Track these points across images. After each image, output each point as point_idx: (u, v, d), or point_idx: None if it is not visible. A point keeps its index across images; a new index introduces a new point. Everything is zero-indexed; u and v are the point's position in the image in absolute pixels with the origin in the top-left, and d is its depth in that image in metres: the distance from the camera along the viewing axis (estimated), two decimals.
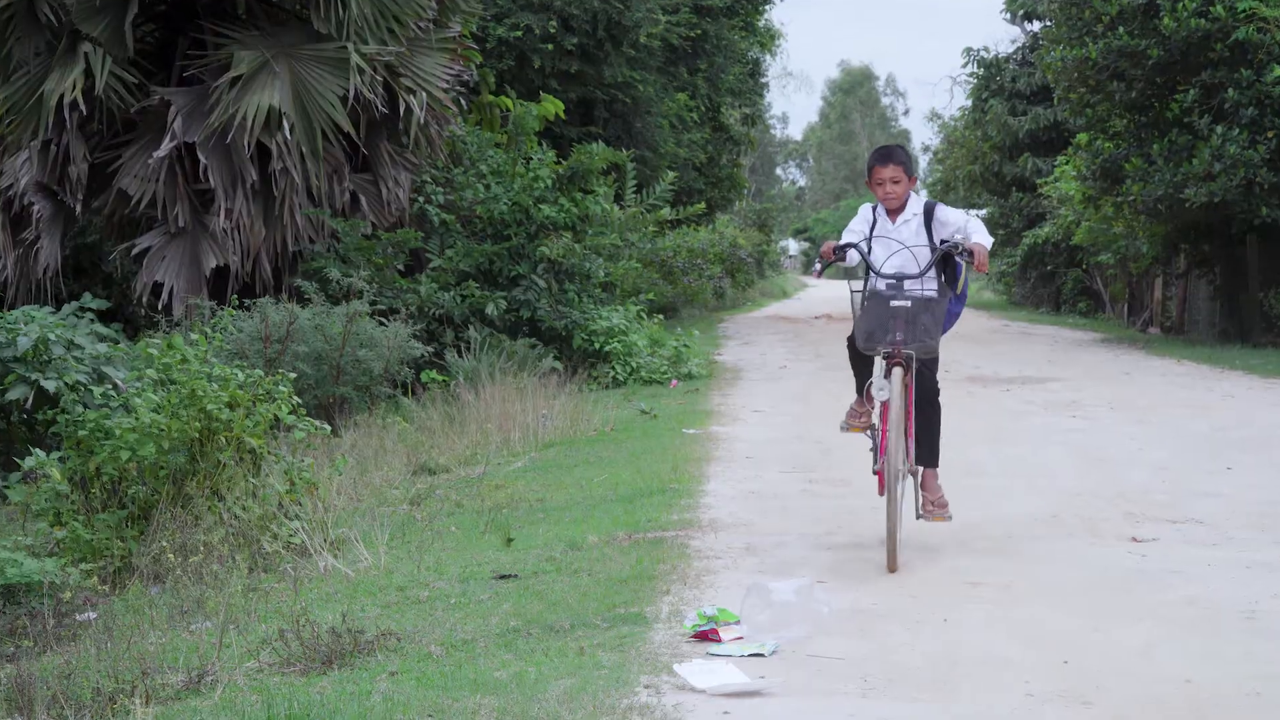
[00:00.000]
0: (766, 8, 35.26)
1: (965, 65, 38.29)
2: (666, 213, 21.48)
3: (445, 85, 15.62)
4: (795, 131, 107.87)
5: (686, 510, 8.29)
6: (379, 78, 14.65)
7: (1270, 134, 20.15)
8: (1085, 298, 34.65)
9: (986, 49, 38.27)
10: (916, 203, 7.15)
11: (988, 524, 7.73)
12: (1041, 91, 34.76)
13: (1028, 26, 37.83)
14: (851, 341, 7.02)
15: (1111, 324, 30.61)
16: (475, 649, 5.39)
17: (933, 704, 4.74)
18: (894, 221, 7.08)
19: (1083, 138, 24.39)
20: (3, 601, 6.71)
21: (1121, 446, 10.86)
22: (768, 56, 37.46)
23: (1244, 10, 19.88)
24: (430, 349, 14.69)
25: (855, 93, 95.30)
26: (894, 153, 7.15)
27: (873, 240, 7.04)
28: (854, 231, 7.12)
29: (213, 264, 14.14)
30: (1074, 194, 27.38)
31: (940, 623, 5.72)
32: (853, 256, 6.99)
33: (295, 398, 8.40)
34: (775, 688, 4.85)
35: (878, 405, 6.87)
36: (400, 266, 15.78)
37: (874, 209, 7.18)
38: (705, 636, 5.46)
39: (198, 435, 7.65)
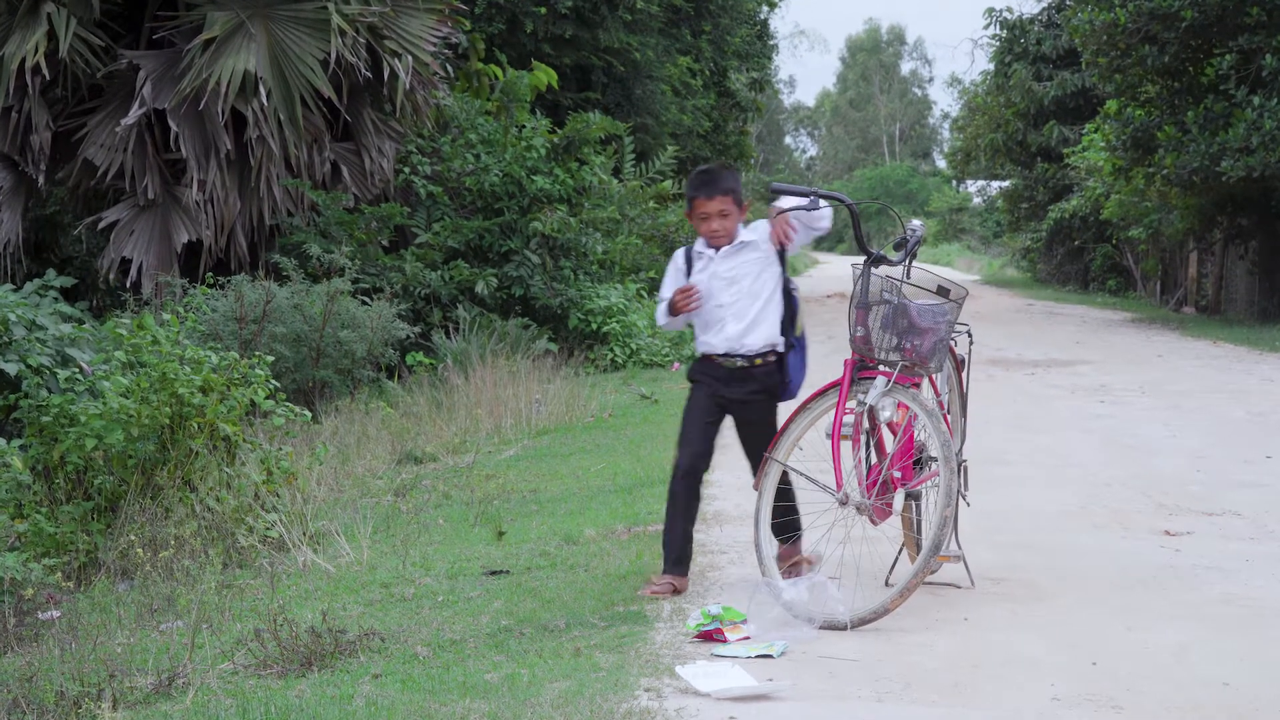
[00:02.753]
0: None
1: (987, 26, 38.34)
2: (669, 186, 21.45)
3: (432, 48, 15.58)
4: (804, 96, 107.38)
5: None
6: (361, 40, 14.61)
7: None
8: (1115, 275, 34.62)
9: (1010, 9, 38.22)
10: (748, 231, 6.25)
11: (1010, 516, 7.73)
12: (1068, 55, 34.70)
13: None
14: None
15: (1143, 303, 30.61)
16: (464, 650, 5.39)
17: (952, 708, 4.73)
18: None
19: (1111, 106, 24.33)
20: None
21: (1154, 434, 10.85)
22: (772, 14, 37.31)
23: None
24: (416, 330, 14.69)
25: (878, 53, 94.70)
26: (720, 179, 6.14)
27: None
28: (670, 287, 6.22)
29: (184, 239, 14.14)
30: (1103, 165, 27.34)
31: (960, 621, 5.71)
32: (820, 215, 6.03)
33: (273, 381, 8.39)
34: (784, 691, 4.84)
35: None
36: (384, 242, 15.77)
37: (687, 253, 6.28)
38: (710, 636, 5.45)
39: (169, 421, 7.64)
